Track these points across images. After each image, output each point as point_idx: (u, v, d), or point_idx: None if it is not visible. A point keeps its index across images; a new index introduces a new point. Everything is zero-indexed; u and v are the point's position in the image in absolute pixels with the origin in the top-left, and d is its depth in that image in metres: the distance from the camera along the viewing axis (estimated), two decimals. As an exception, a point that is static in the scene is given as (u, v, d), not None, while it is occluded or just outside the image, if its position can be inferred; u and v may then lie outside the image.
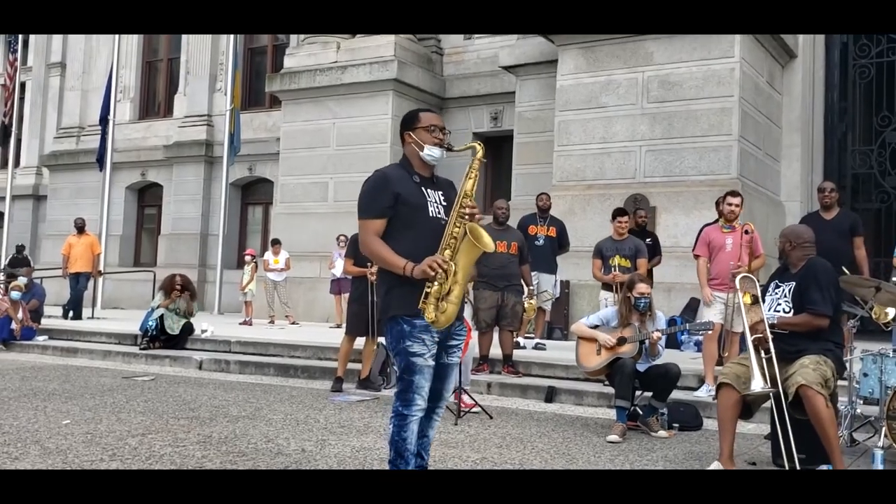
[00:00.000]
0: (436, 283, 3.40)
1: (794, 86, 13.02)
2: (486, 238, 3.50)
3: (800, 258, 5.22)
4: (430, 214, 3.57)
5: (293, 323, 14.58)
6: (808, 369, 4.76)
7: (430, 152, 3.63)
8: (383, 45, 15.61)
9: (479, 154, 3.65)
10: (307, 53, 16.49)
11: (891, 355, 5.92)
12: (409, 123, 3.71)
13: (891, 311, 7.42)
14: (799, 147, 12.94)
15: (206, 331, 11.38)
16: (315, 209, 15.91)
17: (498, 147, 15.85)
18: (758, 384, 4.69)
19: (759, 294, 5.17)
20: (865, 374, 5.95)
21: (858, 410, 5.97)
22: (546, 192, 10.45)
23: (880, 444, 5.45)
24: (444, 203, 3.62)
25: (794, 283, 5.05)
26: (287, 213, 16.30)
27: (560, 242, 10.13)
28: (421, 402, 3.53)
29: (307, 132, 16.22)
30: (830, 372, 4.85)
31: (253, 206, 20.25)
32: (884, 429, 5.34)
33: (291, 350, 10.43)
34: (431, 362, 3.52)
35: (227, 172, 18.08)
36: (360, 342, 8.25)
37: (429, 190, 3.63)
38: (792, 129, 12.97)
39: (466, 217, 3.49)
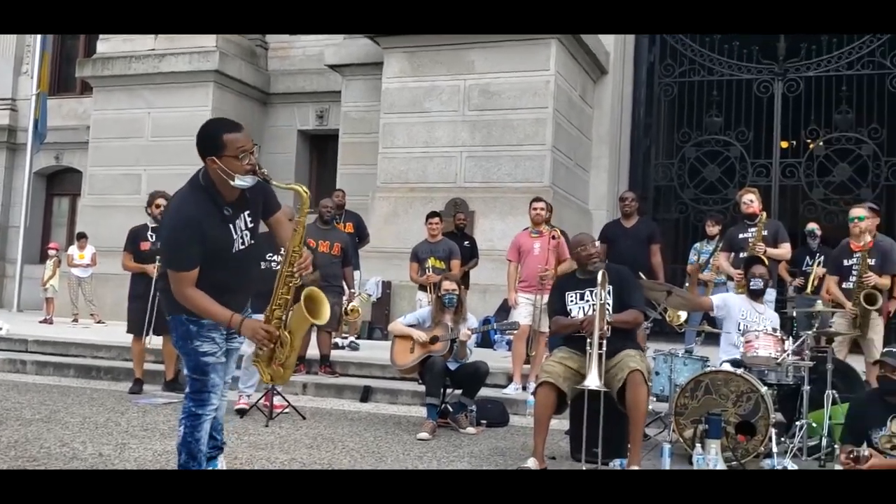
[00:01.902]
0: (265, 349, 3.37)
1: (604, 100, 13.78)
2: (325, 311, 3.43)
3: (593, 263, 5.54)
4: (235, 251, 3.39)
5: (99, 322, 13.81)
6: (636, 359, 5.13)
7: (243, 181, 3.32)
8: (204, 35, 15.09)
9: (305, 204, 3.46)
10: (122, 39, 15.66)
11: (680, 355, 6.42)
12: (212, 149, 3.29)
13: (683, 314, 8.04)
14: (607, 159, 13.71)
15: (0, 329, 10.58)
16: (125, 202, 15.08)
17: (323, 145, 15.76)
18: (594, 381, 4.93)
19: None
20: (657, 373, 6.41)
21: (650, 407, 6.41)
22: (341, 189, 10.57)
23: (669, 438, 5.89)
24: (251, 225, 3.46)
25: (612, 287, 5.37)
26: (95, 206, 15.41)
27: (359, 236, 10.27)
28: (216, 401, 3.46)
29: (120, 121, 15.41)
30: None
31: (59, 197, 18.98)
32: (672, 424, 5.77)
33: (95, 350, 9.88)
34: (223, 359, 3.46)
35: (30, 161, 16.85)
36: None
37: (236, 222, 3.40)
38: (601, 142, 13.71)
39: (295, 278, 3.41)
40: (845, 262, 7.21)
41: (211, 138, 3.32)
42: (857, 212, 7.30)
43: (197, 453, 3.43)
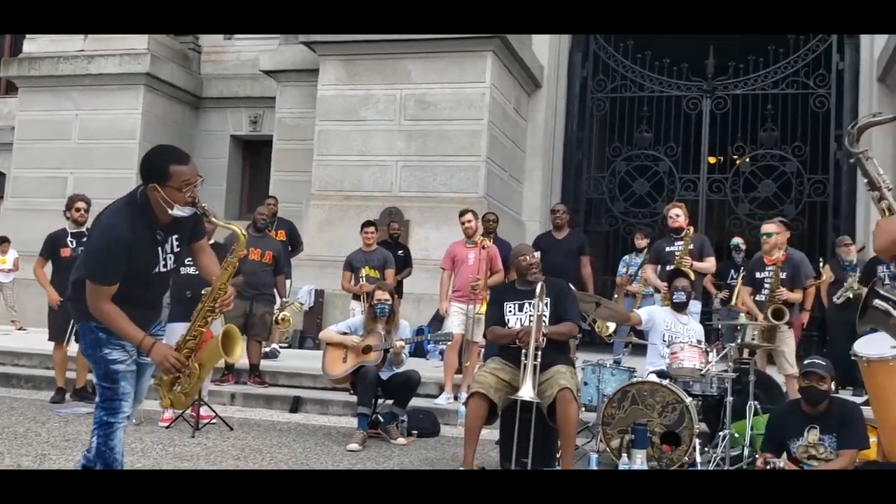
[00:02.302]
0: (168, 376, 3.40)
1: (538, 114, 13.95)
2: (238, 351, 3.51)
3: (533, 274, 5.62)
4: (156, 271, 3.40)
5: (20, 329, 13.35)
6: (567, 376, 5.21)
7: (182, 212, 3.31)
8: (136, 37, 14.78)
9: (240, 246, 3.48)
10: (50, 39, 15.23)
11: (608, 366, 6.52)
12: (156, 177, 3.27)
13: (611, 325, 8.18)
14: (540, 171, 13.87)
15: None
16: (50, 206, 14.58)
17: (256, 152, 15.58)
18: (527, 392, 4.98)
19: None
20: (586, 383, 6.49)
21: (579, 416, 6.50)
22: (274, 196, 10.46)
23: (596, 448, 5.98)
24: (178, 249, 3.46)
25: (550, 299, 5.44)
26: (18, 209, 14.92)
27: (292, 244, 10.18)
28: (127, 409, 3.41)
29: (47, 123, 14.96)
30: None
31: (-21, 199, 18.33)
32: (599, 434, 5.86)
33: (15, 358, 9.55)
34: (133, 367, 3.42)
35: (-52, 161, 16.25)
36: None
37: (165, 245, 3.40)
38: (535, 154, 13.87)
39: (216, 313, 3.46)
40: (758, 275, 7.46)
41: (157, 168, 3.30)
42: (766, 228, 7.58)
43: (112, 462, 3.37)
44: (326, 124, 12.48)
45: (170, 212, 3.30)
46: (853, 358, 5.43)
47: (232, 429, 6.53)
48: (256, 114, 15.51)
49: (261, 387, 8.31)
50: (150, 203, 3.33)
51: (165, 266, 3.43)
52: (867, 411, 5.55)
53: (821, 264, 9.82)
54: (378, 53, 12.17)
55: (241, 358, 3.54)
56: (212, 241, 4.61)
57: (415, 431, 6.64)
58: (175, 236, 3.44)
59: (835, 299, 8.92)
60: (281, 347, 10.34)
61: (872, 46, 12.72)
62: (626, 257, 10.08)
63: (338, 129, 12.41)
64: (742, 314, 6.98)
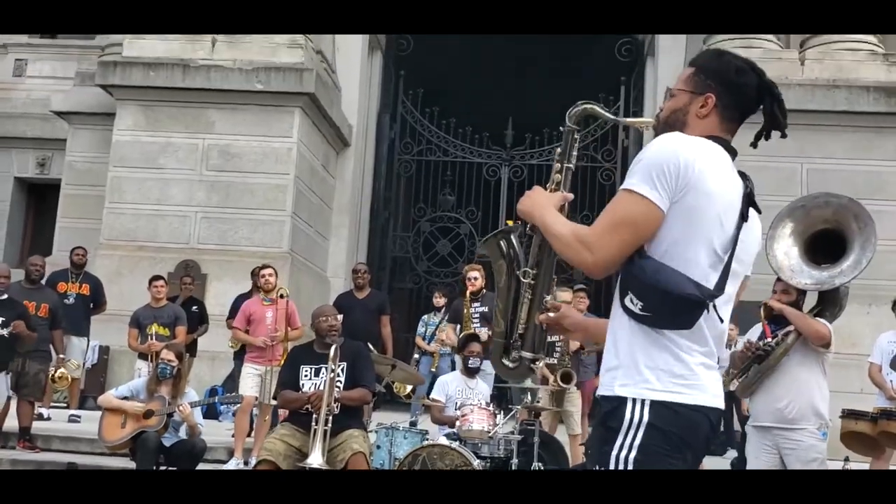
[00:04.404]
0: None
1: (346, 172, 14.02)
2: None
3: (332, 336, 5.59)
4: None
5: None
6: (360, 440, 5.26)
7: None
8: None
9: None
10: None
11: (401, 429, 6.53)
12: None
13: (409, 386, 8.25)
14: (346, 228, 13.90)
15: None
16: None
17: (42, 196, 14.58)
18: (316, 459, 4.89)
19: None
20: (378, 447, 6.46)
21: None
22: (82, 247, 9.84)
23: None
24: None
25: (346, 363, 5.44)
26: None
27: (94, 300, 9.56)
28: None
29: None
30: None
31: None
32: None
33: None
34: None
35: None
36: None
37: None
38: (342, 211, 13.90)
39: None
40: (549, 338, 7.80)
41: None
42: (563, 296, 7.97)
43: None
44: (121, 170, 11.89)
45: None
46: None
47: (-10, 502, 5.93)
48: (45, 156, 14.53)
49: (31, 452, 7.66)
50: None
51: None
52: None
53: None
54: (180, 101, 11.83)
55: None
56: None
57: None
58: None
59: None
60: (57, 408, 9.59)
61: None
62: (425, 317, 10.16)
63: (133, 176, 11.87)
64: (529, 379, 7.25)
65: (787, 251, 4.74)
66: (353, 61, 13.92)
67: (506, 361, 2.37)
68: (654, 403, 2.04)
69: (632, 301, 2.07)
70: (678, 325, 2.06)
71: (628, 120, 2.59)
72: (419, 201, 14.50)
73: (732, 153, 2.20)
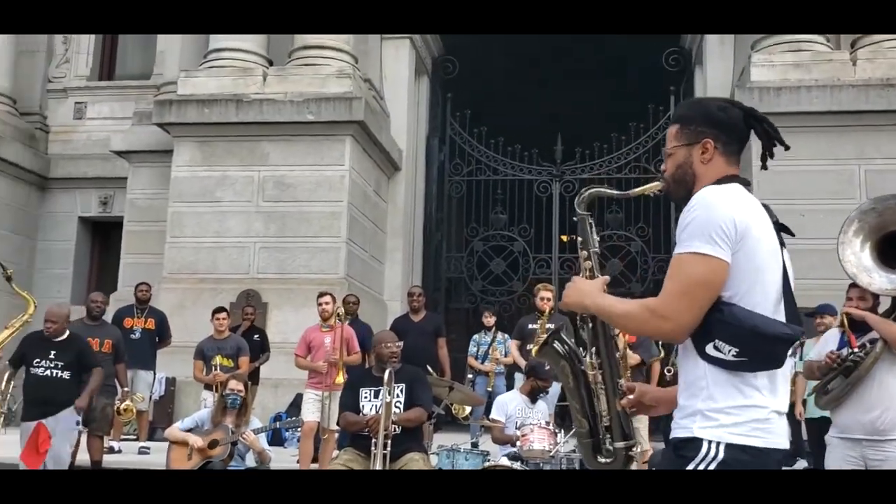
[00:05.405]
0: None
1: (398, 196, 14.17)
2: None
3: (392, 362, 5.65)
4: None
5: None
6: (420, 463, 5.30)
7: None
8: (-23, 116, 14.14)
9: (28, 313, 3.40)
10: None
11: (462, 450, 6.54)
12: None
13: (468, 408, 8.25)
14: (401, 251, 14.02)
15: None
16: None
17: (106, 234, 15.01)
18: None
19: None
20: (440, 469, 6.50)
21: None
22: (146, 282, 10.07)
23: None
24: None
25: (404, 385, 5.51)
26: None
27: (160, 335, 9.78)
28: None
29: None
30: None
31: None
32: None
33: None
34: None
35: None
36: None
37: None
38: (395, 235, 14.03)
39: None
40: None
41: None
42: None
43: None
44: (180, 205, 12.21)
45: None
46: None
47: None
48: (107, 194, 14.98)
49: (103, 485, 7.82)
50: None
51: None
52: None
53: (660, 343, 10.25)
54: (234, 136, 12.11)
55: None
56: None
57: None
58: None
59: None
60: (127, 440, 9.81)
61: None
62: (476, 336, 10.08)
63: (192, 210, 12.17)
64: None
65: (860, 255, 4.61)
66: (400, 87, 14.10)
67: (600, 459, 2.33)
68: (729, 446, 2.09)
69: (717, 348, 2.11)
70: (772, 365, 2.13)
71: (637, 190, 2.61)
72: (471, 221, 14.55)
73: (747, 186, 2.26)
